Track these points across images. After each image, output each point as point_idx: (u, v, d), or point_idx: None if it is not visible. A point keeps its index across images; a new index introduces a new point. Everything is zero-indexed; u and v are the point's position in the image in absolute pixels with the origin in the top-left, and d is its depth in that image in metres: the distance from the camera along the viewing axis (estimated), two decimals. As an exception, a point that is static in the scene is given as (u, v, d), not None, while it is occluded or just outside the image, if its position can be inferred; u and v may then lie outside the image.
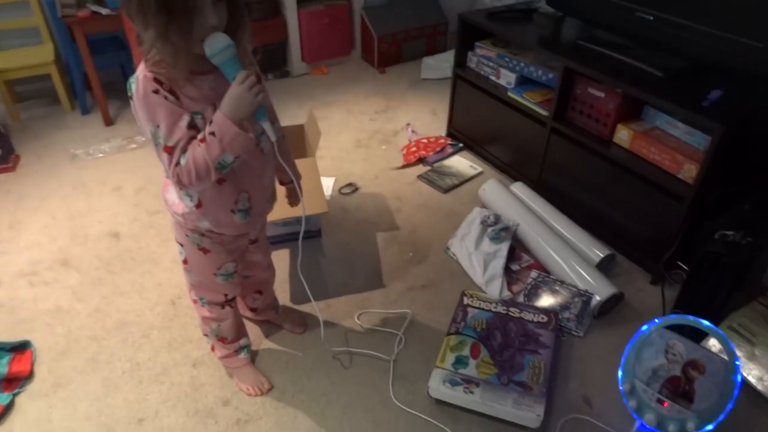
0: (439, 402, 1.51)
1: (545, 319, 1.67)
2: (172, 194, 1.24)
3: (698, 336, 1.51)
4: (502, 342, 1.60)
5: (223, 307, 1.44)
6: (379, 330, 1.72)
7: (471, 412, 1.47)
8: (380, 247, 2.05)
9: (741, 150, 1.68)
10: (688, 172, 1.68)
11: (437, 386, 1.49)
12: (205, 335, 1.55)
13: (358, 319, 1.76)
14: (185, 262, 1.36)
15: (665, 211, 1.76)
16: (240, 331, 1.56)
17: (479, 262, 1.90)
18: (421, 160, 2.50)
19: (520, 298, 1.81)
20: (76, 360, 1.63)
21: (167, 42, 0.98)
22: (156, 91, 1.02)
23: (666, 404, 1.41)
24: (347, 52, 3.38)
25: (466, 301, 1.73)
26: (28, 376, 1.58)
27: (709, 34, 1.65)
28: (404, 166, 2.48)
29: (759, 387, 1.49)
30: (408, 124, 2.75)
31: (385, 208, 2.24)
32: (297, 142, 2.17)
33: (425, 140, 2.59)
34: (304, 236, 2.04)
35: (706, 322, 1.42)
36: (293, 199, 1.50)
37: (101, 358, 1.63)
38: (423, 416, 1.47)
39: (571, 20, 2.23)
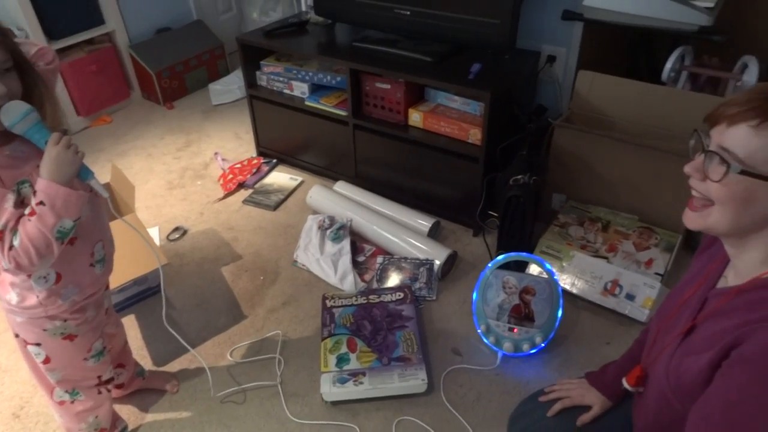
0: (335, 403, 1.59)
1: (401, 295, 1.83)
2: (15, 291, 1.11)
3: (522, 266, 1.80)
4: (372, 328, 1.73)
5: (99, 392, 1.34)
6: (256, 360, 1.73)
7: (366, 401, 1.58)
8: (229, 280, 2.03)
9: (506, 107, 2.02)
10: (474, 135, 1.97)
11: (329, 389, 1.56)
12: None
13: (231, 356, 1.75)
14: (46, 361, 1.22)
15: (466, 172, 2.03)
16: (115, 416, 1.46)
17: (328, 264, 2.01)
18: (241, 185, 2.50)
19: (374, 284, 1.96)
20: None
21: None
22: None
23: (516, 330, 1.68)
24: (126, 95, 3.18)
25: (328, 303, 1.82)
26: None
27: (458, 19, 1.94)
28: (226, 196, 2.46)
29: (573, 290, 1.84)
30: (216, 154, 2.72)
31: (222, 242, 2.22)
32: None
33: (239, 165, 2.59)
34: (145, 295, 1.95)
35: (524, 254, 1.71)
36: None
37: None
38: (325, 422, 1.54)
39: (341, 25, 2.42)
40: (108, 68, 3.01)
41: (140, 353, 1.77)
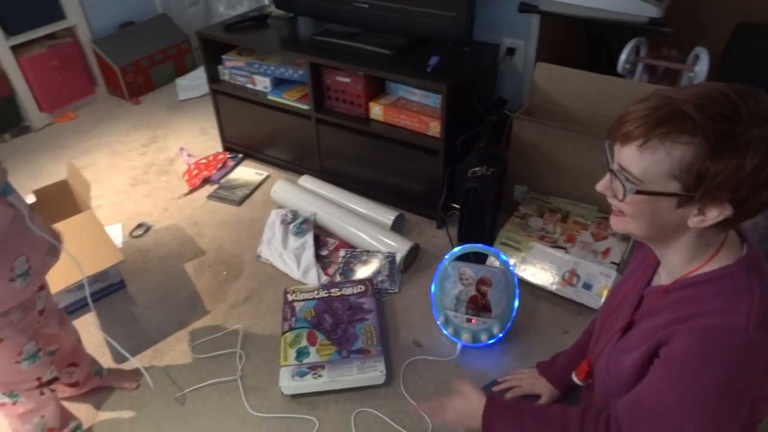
0: (295, 396, 1.59)
1: (363, 288, 1.84)
2: None
3: (482, 258, 1.82)
4: (333, 321, 1.74)
5: (42, 393, 1.32)
6: (217, 354, 1.73)
7: (326, 394, 1.59)
8: (192, 275, 2.03)
9: (465, 100, 2.03)
10: (434, 128, 1.98)
11: (288, 383, 1.57)
12: None
13: (192, 352, 1.74)
14: None
15: (428, 165, 2.05)
16: (66, 415, 1.44)
17: (291, 258, 2.01)
18: (206, 181, 2.49)
19: (337, 278, 1.97)
20: None
21: None
22: None
23: (474, 321, 1.70)
24: (91, 90, 3.14)
25: (290, 297, 1.83)
26: None
27: (415, 11, 1.95)
28: (191, 191, 2.45)
29: (533, 281, 1.86)
30: (182, 149, 2.70)
31: (186, 237, 2.20)
32: (65, 199, 2.01)
33: (204, 160, 2.58)
34: (108, 291, 1.93)
35: (479, 245, 1.73)
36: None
37: None
38: (284, 415, 1.55)
39: (303, 19, 2.41)
40: (70, 64, 2.96)
41: (100, 350, 1.76)
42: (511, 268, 1.71)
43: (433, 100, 2.02)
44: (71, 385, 1.54)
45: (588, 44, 2.31)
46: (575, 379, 1.06)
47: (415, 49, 2.07)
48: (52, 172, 2.58)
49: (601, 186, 0.81)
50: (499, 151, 2.00)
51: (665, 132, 0.70)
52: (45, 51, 2.84)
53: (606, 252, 1.87)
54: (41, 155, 2.75)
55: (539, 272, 1.86)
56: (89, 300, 1.41)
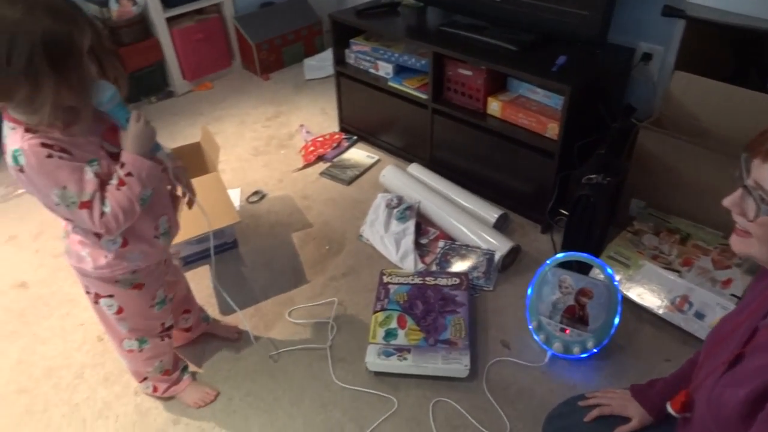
0: (378, 374, 1.64)
1: (458, 281, 1.85)
2: (86, 251, 1.22)
3: (586, 269, 1.75)
4: (424, 309, 1.76)
5: (163, 339, 1.47)
6: (311, 322, 1.82)
7: (408, 377, 1.62)
8: (297, 245, 2.14)
9: (590, 104, 1.95)
10: (552, 130, 1.92)
11: (373, 360, 1.62)
12: (143, 380, 1.55)
13: (289, 316, 1.85)
14: (119, 312, 1.34)
15: (541, 167, 1.99)
16: (177, 358, 1.61)
17: (391, 242, 2.05)
18: (320, 158, 2.60)
19: (433, 268, 1.99)
20: (7, 416, 1.59)
21: (59, 104, 0.97)
22: (50, 156, 1.02)
23: (568, 331, 1.65)
24: (228, 63, 3.39)
25: (385, 279, 1.87)
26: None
27: (547, 8, 1.90)
28: (305, 166, 2.57)
29: (639, 301, 1.76)
30: (301, 126, 2.84)
31: (295, 209, 2.33)
32: (196, 160, 2.20)
33: (321, 138, 2.70)
34: (222, 249, 2.10)
35: (585, 255, 1.67)
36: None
37: (36, 408, 1.60)
38: (365, 390, 1.60)
39: (432, 9, 2.43)
40: (213, 37, 3.21)
41: (209, 301, 1.91)
42: (616, 283, 1.63)
43: (555, 101, 1.96)
44: (186, 330, 1.70)
45: (736, 55, 2.11)
46: (669, 409, 1.00)
47: (542, 46, 2.02)
48: (188, 135, 2.82)
49: (728, 201, 0.76)
50: (620, 161, 1.90)
51: None
52: (193, 24, 3.11)
53: (727, 282, 1.72)
54: (181, 118, 3.02)
55: (646, 293, 1.76)
56: (212, 252, 1.55)
